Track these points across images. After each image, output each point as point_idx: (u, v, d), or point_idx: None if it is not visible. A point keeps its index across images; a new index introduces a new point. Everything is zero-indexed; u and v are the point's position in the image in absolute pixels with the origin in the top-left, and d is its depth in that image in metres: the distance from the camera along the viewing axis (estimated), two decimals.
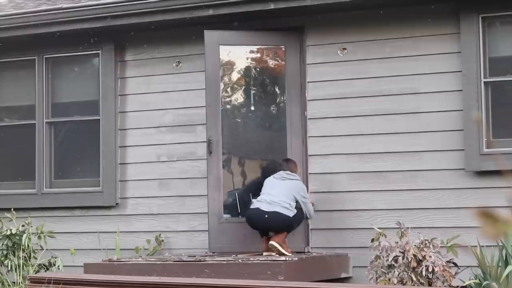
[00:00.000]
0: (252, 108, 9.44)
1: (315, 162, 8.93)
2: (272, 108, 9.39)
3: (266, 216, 8.23)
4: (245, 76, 9.38)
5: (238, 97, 9.33)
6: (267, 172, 8.87)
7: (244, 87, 9.37)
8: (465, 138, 8.28)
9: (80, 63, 10.40)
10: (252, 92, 9.30)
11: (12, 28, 9.96)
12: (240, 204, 9.15)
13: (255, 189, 8.79)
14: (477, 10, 8.32)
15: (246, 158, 9.24)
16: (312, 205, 8.62)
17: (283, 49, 9.15)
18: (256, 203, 8.34)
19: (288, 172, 8.53)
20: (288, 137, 9.01)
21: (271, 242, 8.17)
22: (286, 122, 9.07)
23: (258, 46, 9.24)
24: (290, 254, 8.18)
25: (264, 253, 8.33)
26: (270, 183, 8.48)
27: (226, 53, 9.17)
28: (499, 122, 8.34)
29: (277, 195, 8.31)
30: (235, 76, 9.37)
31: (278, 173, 8.59)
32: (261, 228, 8.34)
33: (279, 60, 9.24)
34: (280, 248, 8.11)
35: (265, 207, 8.26)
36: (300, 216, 8.48)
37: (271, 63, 9.33)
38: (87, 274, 7.99)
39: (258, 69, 9.37)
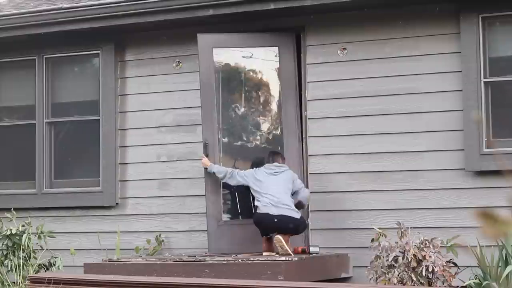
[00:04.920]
0: (248, 109, 9.43)
1: (315, 162, 8.93)
2: (268, 109, 9.38)
3: (276, 220, 8.25)
4: (239, 78, 9.37)
5: (234, 99, 9.32)
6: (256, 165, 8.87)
7: (239, 88, 9.36)
8: (465, 138, 8.28)
9: (80, 63, 10.40)
10: (247, 93, 9.29)
11: (12, 28, 9.96)
12: (240, 205, 9.15)
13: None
14: (477, 10, 8.32)
15: (243, 159, 9.22)
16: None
17: (277, 50, 9.15)
18: (263, 208, 8.33)
19: (276, 164, 8.53)
20: (284, 137, 9.00)
21: (277, 236, 8.16)
22: (282, 122, 9.07)
23: (252, 48, 9.24)
24: (292, 254, 8.18)
25: (264, 253, 8.33)
26: (266, 181, 8.43)
27: (220, 55, 9.16)
28: (499, 122, 8.34)
29: (280, 196, 8.31)
30: (230, 78, 9.36)
31: (266, 166, 8.56)
32: (271, 231, 8.35)
33: (274, 61, 9.23)
34: (284, 243, 8.11)
35: (273, 211, 8.28)
36: (304, 220, 8.51)
37: (266, 64, 9.33)
38: (87, 274, 7.99)
39: (253, 71, 9.36)
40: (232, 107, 9.30)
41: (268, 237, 8.37)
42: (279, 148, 9.01)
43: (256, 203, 8.46)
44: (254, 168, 8.68)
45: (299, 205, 8.49)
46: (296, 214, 8.32)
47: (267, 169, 8.54)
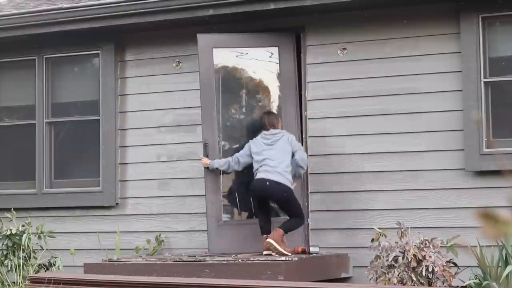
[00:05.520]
0: (248, 109, 9.43)
1: (315, 162, 8.93)
2: (268, 108, 9.36)
3: (268, 183, 8.30)
4: (239, 78, 9.38)
5: (234, 99, 9.31)
6: (253, 133, 8.88)
7: (239, 88, 9.36)
8: (465, 138, 8.28)
9: (80, 63, 10.40)
10: (247, 93, 9.27)
11: (12, 28, 9.97)
12: (240, 205, 9.15)
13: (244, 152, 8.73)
14: (477, 10, 8.32)
15: None
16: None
17: (277, 50, 9.15)
18: (259, 174, 8.38)
19: (272, 132, 8.53)
20: None
21: (268, 239, 8.17)
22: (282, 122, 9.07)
23: (252, 48, 9.24)
24: (289, 254, 8.17)
25: (264, 252, 8.33)
26: (263, 152, 8.44)
27: (220, 55, 9.15)
28: (499, 122, 8.34)
29: (275, 164, 8.36)
30: (230, 78, 9.36)
31: (263, 134, 8.56)
32: (263, 195, 8.36)
33: (274, 61, 9.22)
34: (276, 245, 8.11)
35: (268, 176, 8.32)
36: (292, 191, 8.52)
37: (266, 64, 9.32)
38: (87, 274, 7.99)
39: (253, 71, 9.35)
40: (234, 107, 9.28)
41: (268, 236, 8.35)
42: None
43: (255, 176, 8.47)
44: (250, 141, 8.66)
45: (298, 169, 8.49)
46: (289, 183, 8.35)
47: (264, 138, 8.57)
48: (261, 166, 8.43)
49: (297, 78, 9.14)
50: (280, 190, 8.32)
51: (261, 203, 8.49)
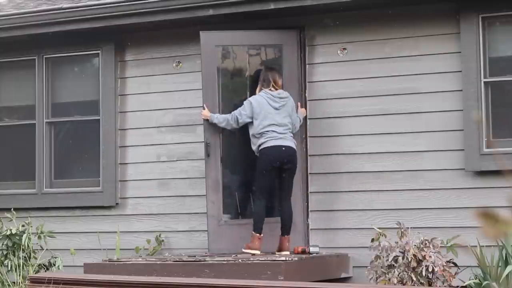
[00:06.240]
0: None
1: (315, 162, 8.93)
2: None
3: (284, 148, 8.34)
4: (242, 76, 9.36)
5: (236, 98, 9.30)
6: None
7: (242, 87, 9.34)
8: (465, 138, 8.28)
9: (80, 63, 10.40)
10: (250, 92, 9.25)
11: (12, 28, 9.97)
12: (240, 205, 9.14)
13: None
14: (477, 10, 8.32)
15: (244, 159, 9.20)
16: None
17: (281, 47, 9.12)
18: (270, 142, 8.35)
19: (280, 94, 8.53)
20: None
21: (284, 253, 8.26)
22: None
23: (255, 46, 9.21)
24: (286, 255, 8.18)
25: (253, 251, 8.33)
26: (270, 115, 8.41)
27: (223, 53, 9.13)
28: (499, 122, 8.34)
29: (284, 131, 8.40)
30: (232, 76, 9.35)
31: (270, 96, 8.50)
32: (281, 162, 8.33)
33: (277, 59, 9.20)
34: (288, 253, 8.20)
35: (280, 143, 8.34)
36: None
37: (269, 62, 9.30)
38: (87, 274, 7.99)
39: (256, 69, 9.32)
40: (236, 105, 9.25)
41: (261, 236, 8.33)
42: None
43: (260, 140, 8.43)
44: (251, 100, 8.58)
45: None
46: (295, 146, 8.46)
47: (272, 100, 8.52)
48: (267, 131, 8.40)
49: (300, 77, 9.09)
50: (296, 157, 8.42)
51: (273, 173, 8.39)
